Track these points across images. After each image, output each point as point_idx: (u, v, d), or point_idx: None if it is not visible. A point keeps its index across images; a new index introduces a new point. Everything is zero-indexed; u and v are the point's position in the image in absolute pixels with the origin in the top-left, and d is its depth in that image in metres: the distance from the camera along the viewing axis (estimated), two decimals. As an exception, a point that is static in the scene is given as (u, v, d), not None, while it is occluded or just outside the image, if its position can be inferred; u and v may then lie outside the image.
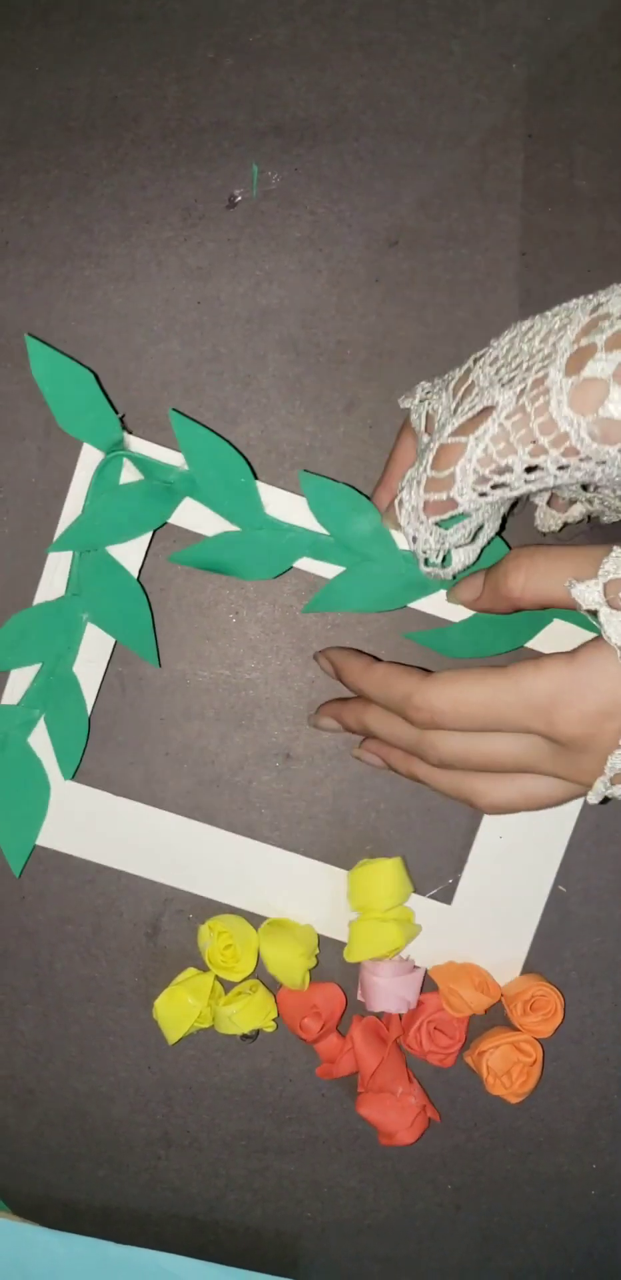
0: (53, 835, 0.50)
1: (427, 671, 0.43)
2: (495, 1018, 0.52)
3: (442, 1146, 0.54)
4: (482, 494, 0.39)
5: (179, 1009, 0.51)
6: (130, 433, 0.48)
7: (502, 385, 0.38)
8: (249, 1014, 0.51)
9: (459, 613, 0.48)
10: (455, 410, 0.40)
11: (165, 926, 0.53)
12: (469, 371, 0.41)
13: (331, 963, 0.53)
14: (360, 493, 0.47)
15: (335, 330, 0.50)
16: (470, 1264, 0.55)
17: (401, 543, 0.47)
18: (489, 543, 0.45)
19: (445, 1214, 0.55)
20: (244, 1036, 0.53)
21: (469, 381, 0.40)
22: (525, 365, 0.37)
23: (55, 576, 0.48)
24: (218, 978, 0.52)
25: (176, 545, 0.49)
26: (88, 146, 0.50)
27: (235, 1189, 0.55)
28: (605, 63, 0.50)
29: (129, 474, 0.47)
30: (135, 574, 0.48)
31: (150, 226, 0.50)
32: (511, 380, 0.37)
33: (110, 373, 0.50)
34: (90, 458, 0.47)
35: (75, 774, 0.50)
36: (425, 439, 0.43)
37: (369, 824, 0.52)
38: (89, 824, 0.50)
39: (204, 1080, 0.54)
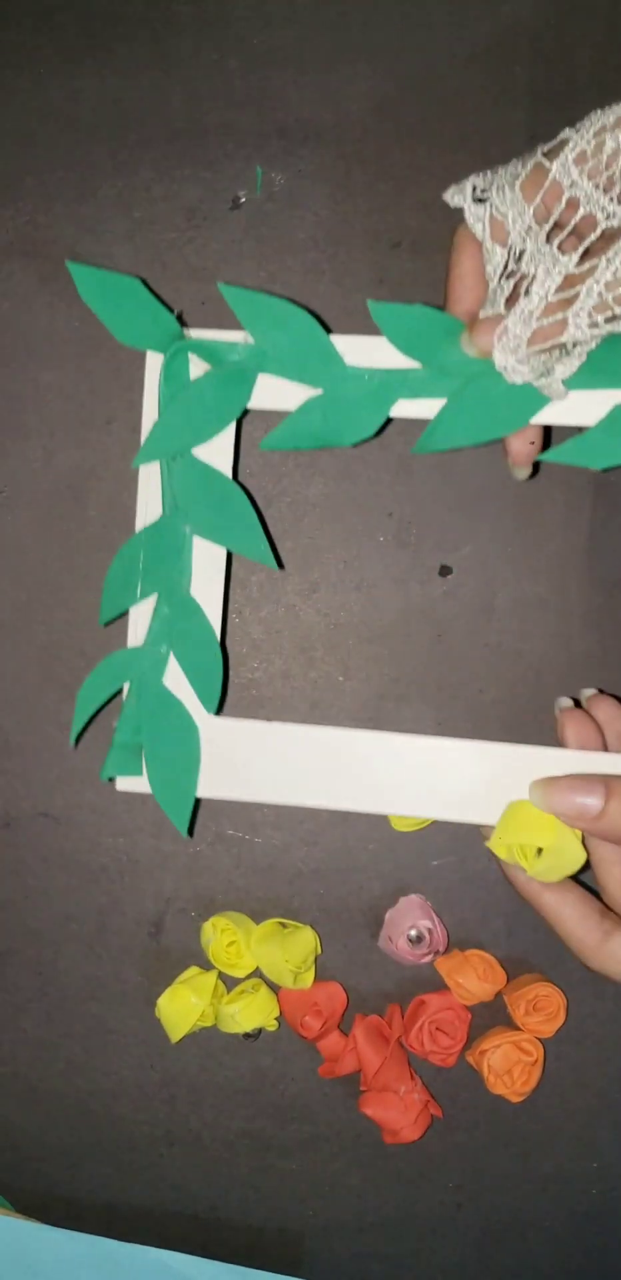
0: (212, 782, 0.45)
1: None
2: (497, 1016, 0.52)
3: (444, 1145, 0.54)
4: (595, 325, 0.36)
5: (182, 1007, 0.52)
6: (188, 326, 0.45)
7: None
8: (251, 1013, 0.51)
9: (577, 413, 0.42)
10: (550, 225, 0.36)
11: (168, 925, 0.53)
12: (541, 168, 0.36)
13: (334, 961, 0.53)
14: (439, 310, 0.42)
15: (339, 331, 0.50)
16: (471, 1262, 0.55)
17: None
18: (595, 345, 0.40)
19: (446, 1212, 0.55)
20: (246, 1035, 0.53)
21: (550, 182, 0.36)
22: None
23: (149, 496, 0.45)
24: (220, 975, 0.52)
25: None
26: (92, 148, 0.51)
27: (237, 1187, 0.55)
28: (607, 66, 0.50)
29: (197, 369, 0.44)
30: (229, 474, 0.45)
31: (155, 228, 0.51)
32: None
33: (114, 374, 0.50)
34: (156, 369, 0.45)
35: (221, 707, 0.46)
36: (499, 252, 0.39)
37: (370, 822, 0.52)
38: (248, 761, 0.45)
39: (206, 1079, 0.54)
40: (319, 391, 0.43)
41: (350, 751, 0.45)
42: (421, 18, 0.50)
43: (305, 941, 0.51)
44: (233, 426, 0.45)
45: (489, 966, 0.51)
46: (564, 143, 0.36)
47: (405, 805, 0.44)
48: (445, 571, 0.51)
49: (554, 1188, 0.54)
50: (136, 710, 0.45)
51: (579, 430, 0.43)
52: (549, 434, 0.46)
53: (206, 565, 0.45)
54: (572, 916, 0.42)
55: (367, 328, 0.50)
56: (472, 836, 0.52)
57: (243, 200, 0.50)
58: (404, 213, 0.50)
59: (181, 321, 0.45)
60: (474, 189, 0.39)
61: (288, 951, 0.50)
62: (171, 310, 0.44)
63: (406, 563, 0.51)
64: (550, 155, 0.37)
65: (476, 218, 0.39)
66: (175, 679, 0.46)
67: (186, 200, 0.50)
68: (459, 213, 0.41)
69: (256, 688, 0.52)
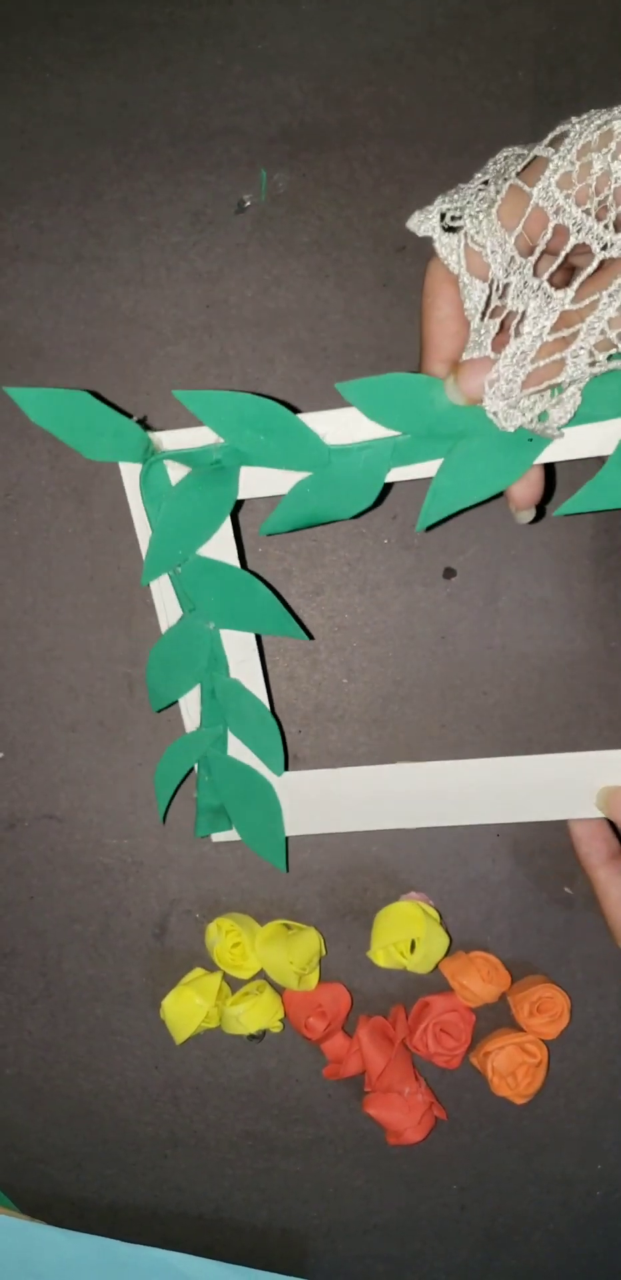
0: (295, 822, 0.49)
1: None
2: (501, 1018, 0.52)
3: (448, 1147, 0.54)
4: (595, 363, 0.33)
5: (186, 1009, 0.52)
6: (150, 428, 0.43)
7: (617, 228, 0.30)
8: (256, 1014, 0.51)
9: (583, 447, 0.40)
10: (536, 256, 0.32)
11: (172, 926, 0.53)
12: (519, 192, 0.33)
13: (338, 963, 0.53)
14: (410, 374, 0.40)
15: (343, 334, 0.50)
16: (475, 1264, 0.55)
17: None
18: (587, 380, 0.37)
19: (450, 1214, 0.55)
20: (251, 1037, 0.53)
21: (531, 208, 0.32)
22: None
23: (166, 601, 0.45)
24: (225, 977, 0.53)
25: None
26: (97, 152, 0.51)
27: (241, 1189, 0.55)
28: (610, 70, 0.50)
29: (176, 472, 0.42)
30: (235, 562, 0.44)
31: (159, 231, 0.51)
32: None
33: (119, 376, 0.51)
34: (133, 476, 0.43)
35: (286, 766, 0.49)
36: (479, 287, 0.35)
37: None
38: (326, 799, 0.48)
39: (211, 1080, 0.54)
40: (307, 474, 0.41)
41: (409, 779, 0.48)
42: (425, 22, 0.50)
43: (309, 943, 0.51)
44: (227, 521, 0.43)
45: (493, 968, 0.51)
46: (542, 163, 0.33)
47: (463, 816, 0.48)
48: (449, 573, 0.51)
49: (558, 1190, 0.54)
50: (211, 781, 0.48)
51: (577, 463, 0.41)
52: (552, 472, 0.46)
53: (239, 646, 0.46)
54: (616, 897, 0.46)
55: (371, 332, 0.50)
56: (476, 839, 0.52)
57: (247, 204, 0.51)
58: (408, 216, 0.50)
59: (144, 424, 0.42)
60: (442, 215, 0.36)
61: (292, 953, 0.50)
62: (130, 416, 0.41)
63: (410, 565, 0.51)
64: (527, 177, 0.33)
65: (449, 249, 0.35)
66: (239, 745, 0.48)
67: (191, 204, 0.51)
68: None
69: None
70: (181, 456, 0.42)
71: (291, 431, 0.40)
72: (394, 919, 0.50)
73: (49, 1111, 0.54)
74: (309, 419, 0.40)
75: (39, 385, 0.51)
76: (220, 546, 0.44)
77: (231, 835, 0.50)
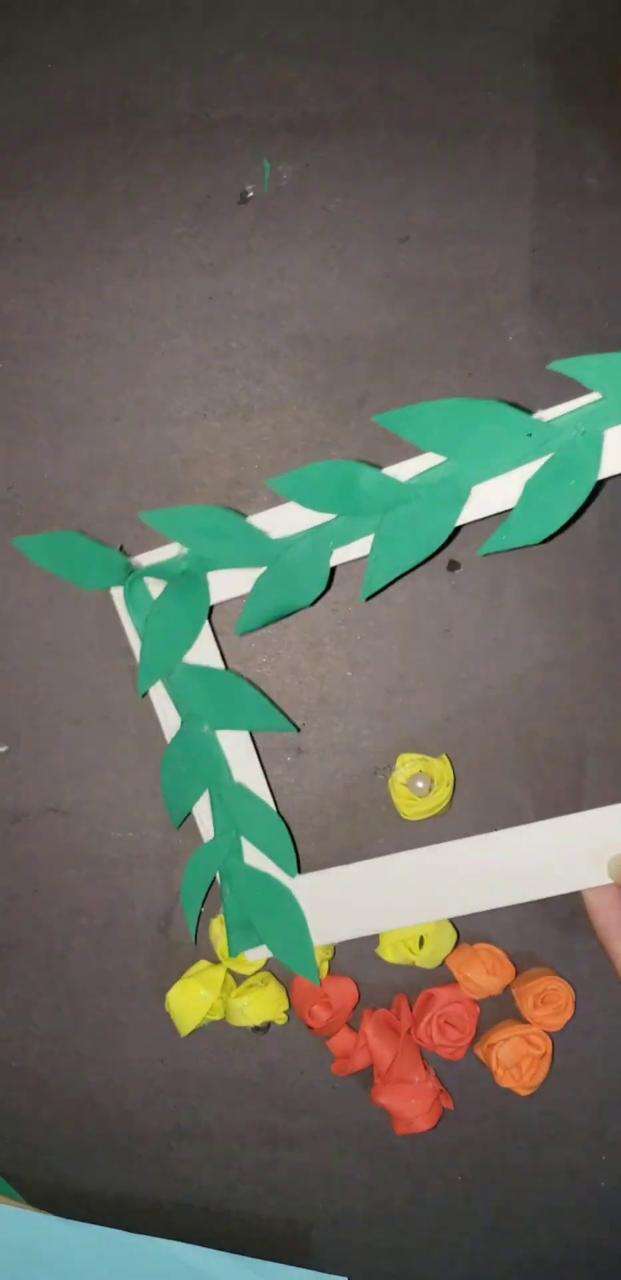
0: (323, 930, 0.50)
1: None
2: (505, 1010, 0.53)
3: (452, 1138, 0.54)
4: None
5: (191, 1001, 0.52)
6: (131, 555, 0.49)
7: None
8: (260, 1006, 0.51)
9: (496, 499, 0.45)
10: None
11: (177, 919, 0.53)
12: None
13: (344, 958, 0.53)
14: (337, 462, 0.45)
15: (346, 325, 0.50)
16: (479, 1255, 0.55)
17: (404, 475, 0.45)
18: None
19: (455, 1205, 0.55)
20: (255, 1029, 0.53)
21: None
22: None
23: (165, 709, 0.49)
24: (229, 970, 0.53)
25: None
26: (100, 142, 0.50)
27: (247, 1180, 0.55)
28: (614, 61, 0.50)
29: (156, 587, 0.48)
30: (220, 664, 0.49)
31: (162, 222, 0.50)
32: None
33: (121, 369, 0.50)
34: (121, 599, 0.49)
35: (299, 867, 0.50)
36: None
37: (379, 817, 0.52)
38: (347, 900, 0.50)
39: (216, 1072, 0.54)
40: (262, 569, 0.47)
41: (427, 865, 0.49)
42: (429, 12, 0.50)
43: None
44: (206, 625, 0.48)
45: (497, 960, 0.51)
46: None
47: (485, 900, 0.48)
48: (453, 566, 0.51)
49: (563, 1181, 0.55)
50: (233, 894, 0.50)
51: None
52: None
53: (237, 747, 0.49)
54: None
55: (375, 323, 0.50)
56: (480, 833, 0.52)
57: (250, 194, 0.50)
58: (413, 207, 0.50)
59: (124, 552, 0.49)
60: None
61: None
62: (112, 547, 0.48)
63: (415, 557, 0.51)
64: None
65: None
66: (255, 852, 0.50)
67: (194, 194, 0.50)
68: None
69: (264, 683, 0.52)
70: (155, 571, 0.48)
71: (239, 532, 0.46)
72: None
73: (54, 1103, 0.54)
74: (256, 519, 0.46)
75: (42, 378, 0.51)
76: (203, 651, 0.49)
77: (264, 952, 0.51)
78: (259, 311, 0.50)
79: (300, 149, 0.50)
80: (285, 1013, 0.52)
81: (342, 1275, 0.55)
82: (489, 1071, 0.52)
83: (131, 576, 0.48)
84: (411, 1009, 0.52)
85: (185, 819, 0.50)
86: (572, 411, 0.43)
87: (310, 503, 0.45)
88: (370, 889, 0.49)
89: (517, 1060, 0.51)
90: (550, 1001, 0.51)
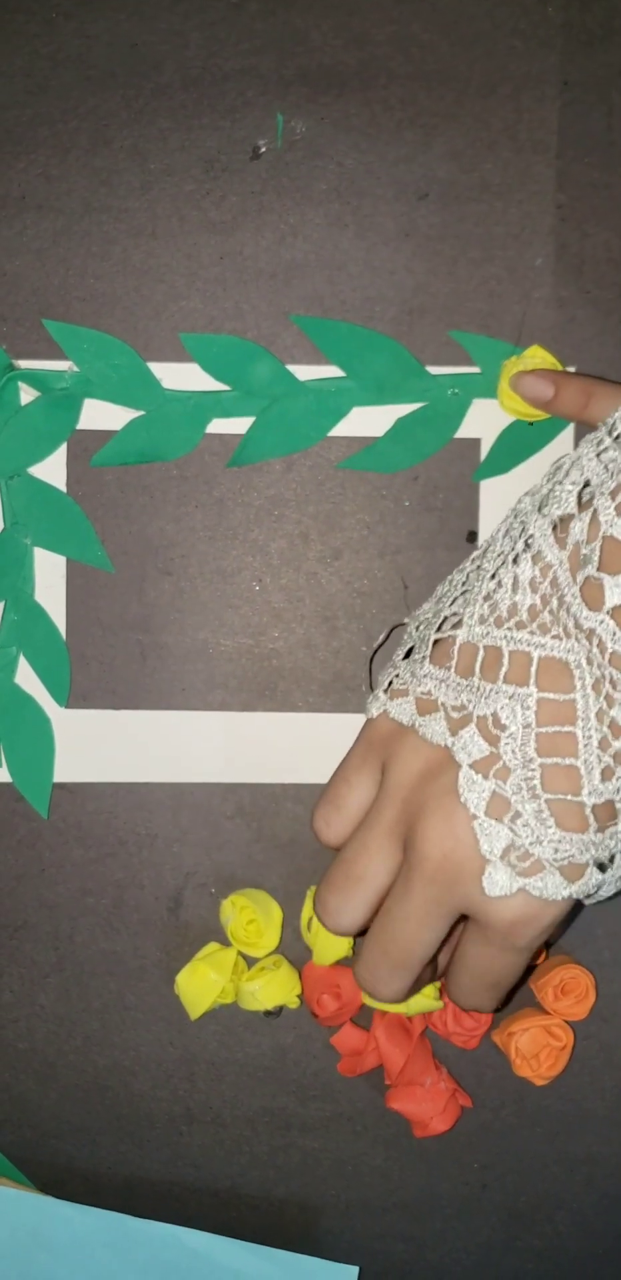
0: (68, 768, 0.51)
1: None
2: (525, 998, 0.51)
3: (469, 1125, 0.53)
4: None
5: (201, 984, 0.51)
6: (14, 359, 0.49)
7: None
8: (272, 990, 0.51)
9: (369, 425, 0.49)
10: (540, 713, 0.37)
11: (187, 900, 0.52)
12: (497, 650, 0.38)
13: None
14: (245, 341, 0.48)
15: (363, 286, 0.49)
16: (496, 1243, 0.55)
17: (301, 376, 0.48)
18: None
19: (471, 1193, 0.54)
20: (267, 1013, 0.52)
21: (507, 657, 0.37)
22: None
23: None
24: (241, 953, 0.52)
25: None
26: (107, 96, 0.49)
27: (258, 1166, 0.54)
28: (645, 5, 0.48)
29: (28, 395, 0.49)
30: (63, 488, 0.50)
31: (171, 179, 0.49)
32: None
33: (130, 331, 0.49)
34: None
35: (68, 700, 0.51)
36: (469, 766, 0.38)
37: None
38: (100, 747, 0.51)
39: (227, 1056, 0.53)
40: (141, 413, 0.49)
41: (190, 729, 0.51)
42: (450, -45, 0.48)
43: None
44: (64, 446, 0.50)
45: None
46: (493, 606, 0.40)
47: (257, 773, 0.51)
48: (472, 537, 0.50)
49: (582, 1169, 0.54)
50: None
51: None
52: None
53: (48, 572, 0.50)
54: None
55: (393, 284, 0.49)
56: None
57: (263, 150, 0.49)
58: (432, 162, 0.48)
59: (8, 354, 0.49)
60: (391, 684, 0.42)
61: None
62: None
63: (432, 528, 0.50)
64: (482, 623, 0.40)
65: (424, 726, 0.40)
66: (27, 676, 0.51)
67: (204, 150, 0.49)
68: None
69: (277, 658, 0.51)
70: (32, 377, 0.49)
71: (136, 370, 0.48)
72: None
73: (62, 1086, 0.54)
74: (154, 366, 0.49)
75: (46, 343, 0.50)
76: (51, 470, 0.50)
77: (2, 774, 0.51)
78: (272, 272, 0.49)
79: (315, 102, 0.49)
80: (298, 997, 0.51)
81: (354, 1264, 0.54)
82: (506, 1058, 0.51)
83: (6, 376, 0.48)
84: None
85: None
86: (455, 374, 0.48)
87: (210, 368, 0.48)
88: (132, 738, 0.51)
89: (537, 1051, 0.50)
90: (570, 990, 0.50)
